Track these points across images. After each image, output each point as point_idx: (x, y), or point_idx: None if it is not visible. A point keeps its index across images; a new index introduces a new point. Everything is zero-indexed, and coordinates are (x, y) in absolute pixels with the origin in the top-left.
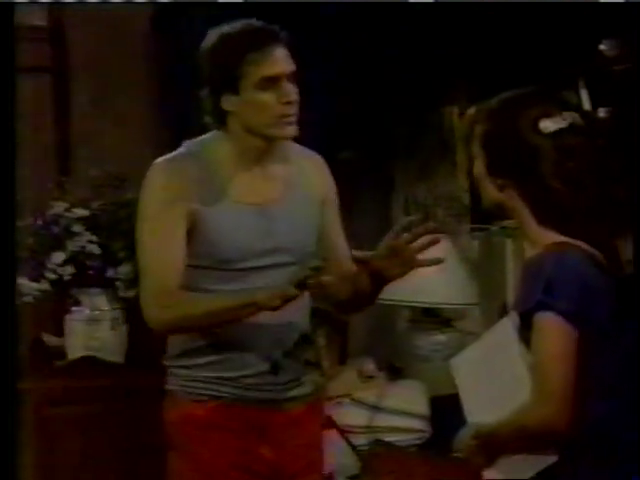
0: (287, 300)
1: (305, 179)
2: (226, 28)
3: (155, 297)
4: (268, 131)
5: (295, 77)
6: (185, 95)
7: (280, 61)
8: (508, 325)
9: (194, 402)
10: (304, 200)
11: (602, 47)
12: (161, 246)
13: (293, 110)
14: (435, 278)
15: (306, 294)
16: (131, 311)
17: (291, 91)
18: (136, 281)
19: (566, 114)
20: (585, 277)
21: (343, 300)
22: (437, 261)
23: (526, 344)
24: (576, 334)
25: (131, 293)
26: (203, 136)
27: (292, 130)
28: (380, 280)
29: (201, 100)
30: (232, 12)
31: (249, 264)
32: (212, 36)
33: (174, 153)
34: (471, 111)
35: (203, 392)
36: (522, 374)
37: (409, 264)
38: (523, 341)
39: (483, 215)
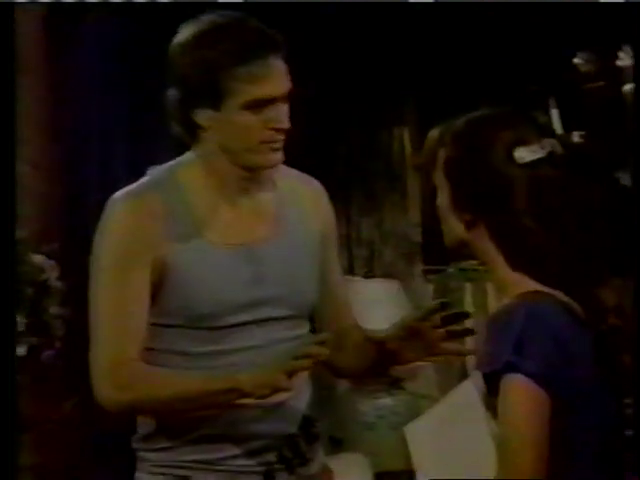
0: (278, 390)
1: (300, 211)
2: (210, 20)
3: (109, 373)
4: (247, 157)
5: (290, 96)
6: (86, 109)
7: (277, 80)
8: (470, 388)
9: None
10: (300, 237)
11: (577, 61)
12: (119, 308)
13: (281, 137)
14: (380, 329)
15: None
16: (21, 374)
17: (283, 117)
18: (26, 334)
19: (545, 141)
20: (561, 333)
21: (343, 367)
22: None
23: (492, 411)
24: (549, 399)
25: (21, 350)
26: (173, 161)
27: (277, 158)
28: (390, 360)
29: (168, 103)
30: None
31: (232, 320)
32: (191, 30)
33: (137, 183)
34: (434, 133)
35: None
36: (487, 446)
37: (431, 350)
38: (489, 407)
39: (438, 254)
